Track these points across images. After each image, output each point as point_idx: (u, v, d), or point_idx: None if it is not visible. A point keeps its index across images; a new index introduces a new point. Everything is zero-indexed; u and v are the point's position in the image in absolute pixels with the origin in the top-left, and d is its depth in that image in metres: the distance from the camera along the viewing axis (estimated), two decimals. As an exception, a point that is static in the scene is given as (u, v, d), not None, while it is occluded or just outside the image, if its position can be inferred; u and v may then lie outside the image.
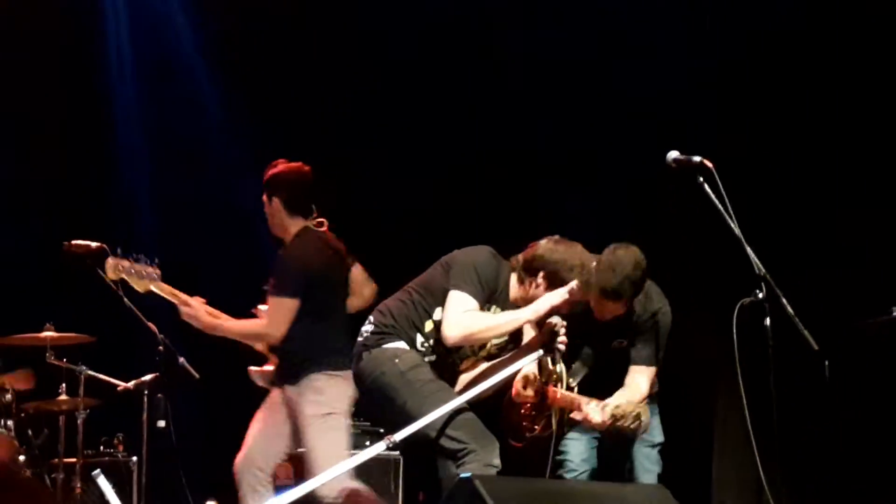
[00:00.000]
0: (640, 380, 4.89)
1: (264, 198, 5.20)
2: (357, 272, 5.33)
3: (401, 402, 4.46)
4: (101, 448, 6.74)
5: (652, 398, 5.05)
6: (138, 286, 5.07)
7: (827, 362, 4.43)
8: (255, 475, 5.06)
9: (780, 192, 6.77)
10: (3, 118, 7.47)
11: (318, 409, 4.96)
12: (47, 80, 7.63)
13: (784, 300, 4.36)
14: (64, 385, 6.48)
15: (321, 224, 5.24)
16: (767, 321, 4.35)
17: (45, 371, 6.45)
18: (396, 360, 4.53)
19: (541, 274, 4.64)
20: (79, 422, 6.36)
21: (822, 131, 6.75)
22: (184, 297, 5.09)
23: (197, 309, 5.04)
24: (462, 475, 4.11)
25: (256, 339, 5.13)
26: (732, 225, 4.54)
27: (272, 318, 4.99)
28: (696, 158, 4.58)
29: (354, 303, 5.31)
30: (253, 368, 5.26)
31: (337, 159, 7.10)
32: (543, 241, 4.72)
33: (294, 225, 5.16)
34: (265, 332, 5.03)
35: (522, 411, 4.99)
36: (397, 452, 6.35)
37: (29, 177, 7.63)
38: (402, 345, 4.59)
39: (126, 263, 5.05)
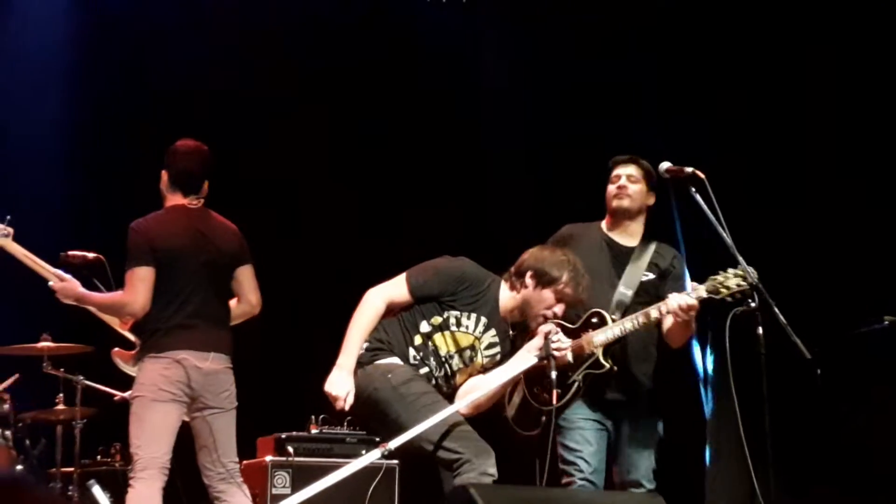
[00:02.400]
0: None
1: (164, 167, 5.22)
2: (245, 275, 5.25)
3: (394, 417, 4.51)
4: (99, 458, 6.76)
5: (657, 411, 5.10)
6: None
7: (819, 370, 4.48)
8: (204, 474, 5.11)
9: (771, 201, 6.82)
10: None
11: (133, 391, 5.05)
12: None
13: (776, 309, 4.40)
14: (61, 395, 6.49)
15: (199, 202, 5.19)
16: (760, 330, 4.40)
17: (42, 381, 6.46)
18: (389, 376, 4.57)
19: (528, 274, 4.69)
20: (76, 431, 6.37)
21: (815, 139, 6.79)
22: (50, 268, 5.15)
23: (70, 280, 5.10)
24: (459, 484, 4.14)
25: (120, 310, 5.11)
26: (724, 234, 4.59)
27: (127, 287, 5.01)
28: (688, 169, 4.64)
29: (240, 308, 5.27)
30: (117, 350, 5.26)
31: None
32: (532, 249, 4.80)
33: (171, 200, 5.18)
34: (124, 300, 5.02)
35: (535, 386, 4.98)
36: (395, 461, 6.38)
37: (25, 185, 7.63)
38: (394, 360, 4.64)
39: None
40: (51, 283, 5.17)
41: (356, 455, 6.48)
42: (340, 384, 4.58)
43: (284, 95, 7.86)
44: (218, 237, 5.17)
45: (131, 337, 5.22)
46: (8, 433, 5.95)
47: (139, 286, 4.97)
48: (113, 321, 5.32)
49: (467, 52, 8.20)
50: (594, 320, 4.92)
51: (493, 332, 4.72)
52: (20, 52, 7.64)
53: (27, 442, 6.37)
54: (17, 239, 5.31)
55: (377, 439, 6.55)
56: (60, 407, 6.45)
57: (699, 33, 7.16)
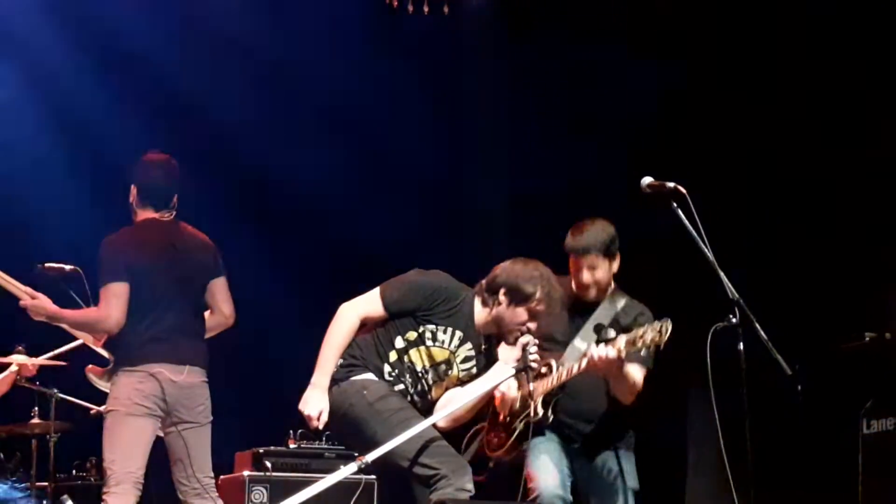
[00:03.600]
0: (634, 370, 4.88)
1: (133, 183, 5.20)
2: (218, 287, 5.24)
3: (371, 433, 4.48)
4: (74, 472, 6.71)
5: (628, 445, 5.08)
6: None
7: (800, 386, 4.47)
8: (179, 489, 5.08)
9: (752, 216, 6.83)
10: None
11: (107, 405, 5.04)
12: None
13: (757, 325, 4.40)
14: (36, 408, 6.45)
15: (171, 215, 5.19)
16: (741, 346, 4.40)
17: (16, 394, 6.41)
18: (364, 392, 4.56)
19: (501, 291, 4.67)
20: (51, 445, 6.33)
21: (795, 155, 6.81)
22: (20, 286, 5.11)
23: (42, 298, 5.06)
24: (439, 499, 4.13)
25: (94, 326, 5.08)
26: (706, 250, 4.58)
27: (101, 303, 4.99)
28: (670, 184, 4.63)
29: (214, 320, 5.25)
30: (91, 367, 5.22)
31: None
32: (504, 263, 4.77)
33: (142, 214, 5.17)
34: (98, 316, 5.00)
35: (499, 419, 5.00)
36: (373, 476, 6.34)
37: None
38: (369, 376, 4.61)
39: None
40: (21, 302, 5.10)
41: (334, 470, 6.42)
42: (314, 403, 4.55)
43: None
44: (190, 250, 5.15)
45: (105, 353, 5.17)
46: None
47: (113, 302, 4.94)
48: (87, 338, 5.27)
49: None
50: (544, 370, 4.91)
51: (468, 345, 4.70)
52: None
53: (1, 456, 6.33)
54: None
55: (355, 454, 6.56)
56: (35, 421, 6.41)
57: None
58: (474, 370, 4.73)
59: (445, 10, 6.67)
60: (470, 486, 4.40)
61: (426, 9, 6.62)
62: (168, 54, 7.59)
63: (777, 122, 6.86)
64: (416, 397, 4.68)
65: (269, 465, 6.35)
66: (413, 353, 4.64)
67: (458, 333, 4.67)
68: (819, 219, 6.60)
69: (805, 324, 6.22)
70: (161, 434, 5.05)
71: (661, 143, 6.96)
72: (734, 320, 4.41)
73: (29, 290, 5.14)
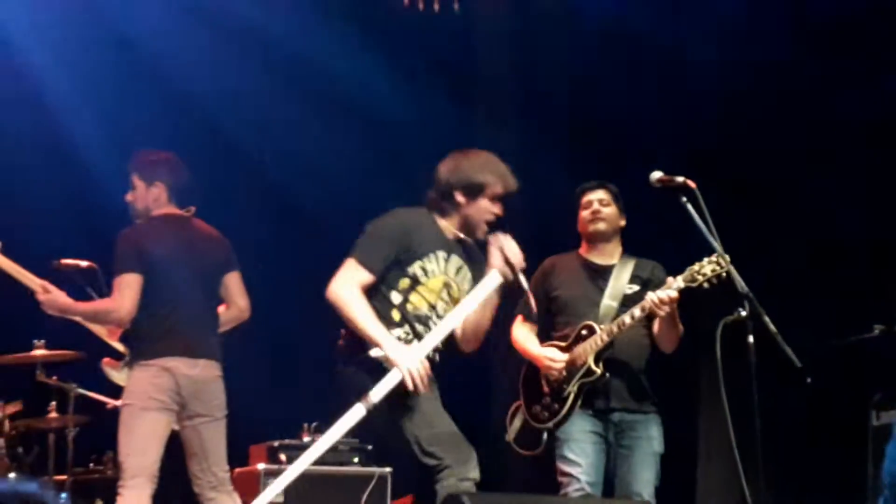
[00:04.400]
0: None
1: (136, 178, 5.23)
2: (233, 280, 5.30)
3: (386, 417, 4.34)
4: (91, 466, 6.76)
5: (656, 408, 5.14)
6: None
7: (809, 379, 4.51)
8: (195, 482, 5.12)
9: (762, 208, 6.85)
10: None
11: (122, 399, 5.06)
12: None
13: (766, 318, 4.43)
14: (54, 402, 6.48)
15: (188, 211, 5.28)
16: (750, 338, 4.44)
17: (35, 388, 6.46)
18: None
19: (455, 192, 4.50)
20: (69, 439, 6.38)
21: (806, 148, 6.83)
22: (36, 279, 5.15)
23: (55, 292, 5.10)
24: (449, 493, 4.14)
25: (106, 317, 5.12)
26: (715, 243, 4.63)
27: (114, 293, 5.04)
28: (680, 178, 4.67)
29: (230, 314, 5.30)
30: (107, 360, 5.27)
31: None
32: (442, 166, 4.59)
33: (163, 210, 5.22)
34: (110, 307, 5.05)
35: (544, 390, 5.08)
36: (388, 468, 6.41)
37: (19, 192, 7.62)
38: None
39: None
40: (37, 295, 5.15)
41: (349, 462, 6.52)
42: (411, 359, 4.22)
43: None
44: (205, 245, 5.22)
45: (120, 347, 5.23)
46: (1, 441, 5.94)
47: (126, 292, 4.99)
48: (101, 331, 5.33)
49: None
50: (584, 332, 5.06)
51: (455, 259, 4.53)
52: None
53: (20, 450, 6.37)
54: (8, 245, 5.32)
55: (369, 447, 6.63)
56: (53, 415, 6.44)
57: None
58: (471, 279, 4.55)
59: (456, 6, 6.69)
60: (474, 474, 4.27)
61: (437, 6, 6.65)
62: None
63: (784, 114, 6.88)
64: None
65: (283, 457, 6.40)
66: (413, 298, 4.44)
67: (441, 253, 4.48)
68: (828, 210, 6.61)
69: (814, 316, 6.24)
70: (176, 428, 5.11)
71: (664, 139, 6.98)
72: (743, 313, 4.46)
73: (43, 283, 5.19)
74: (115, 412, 6.14)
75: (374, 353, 4.26)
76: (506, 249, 4.38)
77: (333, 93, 7.79)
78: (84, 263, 5.79)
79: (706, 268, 4.77)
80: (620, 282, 5.14)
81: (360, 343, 4.31)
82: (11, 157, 7.46)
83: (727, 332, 4.50)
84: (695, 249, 4.77)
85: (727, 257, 4.66)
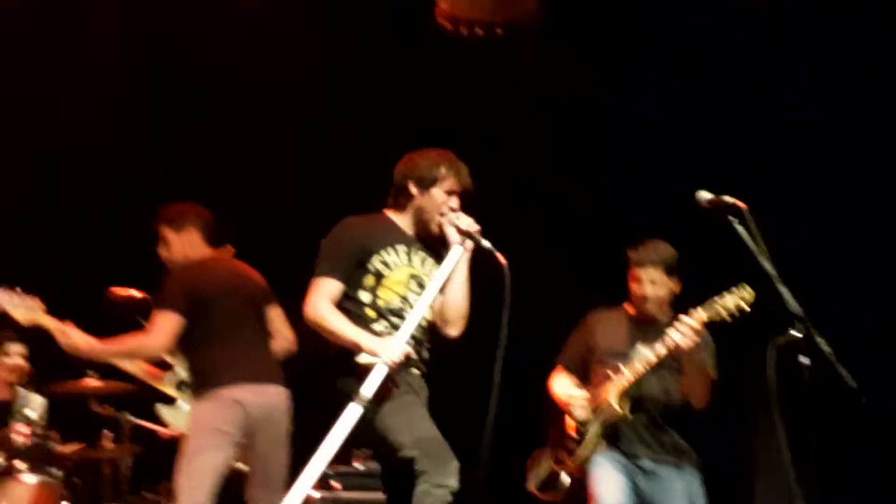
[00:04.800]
0: (708, 363, 5.00)
1: (167, 230, 5.35)
2: (276, 314, 5.37)
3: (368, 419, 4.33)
4: (145, 495, 6.79)
5: (693, 462, 5.09)
6: (22, 317, 5.27)
7: (864, 399, 4.45)
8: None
9: (814, 228, 6.81)
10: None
11: (188, 430, 5.10)
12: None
13: (819, 338, 4.39)
14: (108, 433, 6.54)
15: (229, 252, 5.40)
16: (803, 359, 4.39)
17: (88, 417, 6.52)
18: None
19: (409, 185, 4.54)
20: (123, 469, 6.42)
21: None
22: (52, 322, 5.27)
23: (72, 334, 5.19)
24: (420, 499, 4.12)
25: (138, 351, 5.20)
26: (766, 264, 4.59)
27: (149, 327, 5.09)
28: (729, 199, 4.64)
29: (278, 346, 5.36)
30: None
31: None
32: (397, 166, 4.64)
33: (199, 254, 5.33)
34: (143, 341, 5.11)
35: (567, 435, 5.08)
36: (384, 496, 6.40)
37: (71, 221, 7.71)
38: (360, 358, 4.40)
39: (5, 295, 5.25)
40: (56, 339, 5.25)
41: (366, 488, 6.48)
42: (391, 346, 4.27)
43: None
44: (248, 281, 5.32)
45: (169, 390, 5.29)
46: (57, 472, 6.00)
47: (163, 329, 5.05)
48: (140, 372, 5.39)
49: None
50: (610, 373, 5.06)
51: (418, 251, 4.56)
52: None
53: (75, 480, 6.42)
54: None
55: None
56: (107, 445, 6.49)
57: None
58: (435, 265, 4.54)
59: (498, 31, 6.70)
60: (451, 482, 4.21)
61: (480, 31, 6.66)
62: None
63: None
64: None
65: (337, 485, 6.41)
66: (381, 293, 4.46)
67: (401, 247, 4.51)
68: (874, 229, 6.57)
69: (866, 336, 6.19)
70: (241, 466, 5.15)
71: (708, 157, 6.97)
72: (796, 334, 4.42)
73: (61, 326, 5.24)
74: (169, 442, 6.23)
75: (360, 359, 4.31)
76: (457, 221, 4.44)
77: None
78: (137, 294, 5.89)
79: (728, 300, 4.73)
80: (660, 332, 5.07)
81: (348, 354, 4.35)
82: (69, 190, 7.58)
83: (780, 352, 4.46)
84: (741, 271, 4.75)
85: (750, 290, 4.61)
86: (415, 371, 4.46)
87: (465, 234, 4.43)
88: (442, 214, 4.49)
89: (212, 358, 5.08)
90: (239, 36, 7.43)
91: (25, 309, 5.29)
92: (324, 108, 7.50)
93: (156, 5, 7.24)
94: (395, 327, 4.40)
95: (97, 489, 6.50)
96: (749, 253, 4.53)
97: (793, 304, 4.48)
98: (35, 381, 6.48)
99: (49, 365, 6.62)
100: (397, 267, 4.49)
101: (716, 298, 4.77)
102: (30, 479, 5.86)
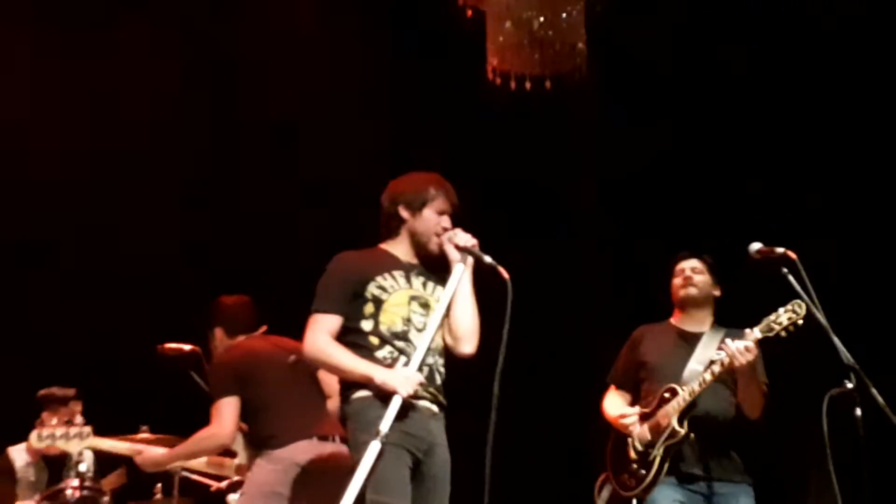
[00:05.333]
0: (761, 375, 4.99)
1: (209, 330, 5.53)
2: (325, 374, 5.27)
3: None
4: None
5: (749, 487, 5.02)
6: (70, 448, 5.51)
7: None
8: None
9: (866, 279, 6.75)
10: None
11: (242, 489, 5.19)
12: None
13: (874, 390, 4.33)
14: (160, 485, 6.55)
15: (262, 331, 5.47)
16: (858, 411, 4.34)
17: (141, 472, 6.53)
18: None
19: (398, 210, 4.47)
20: (174, 524, 6.43)
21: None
22: (125, 446, 5.49)
23: (147, 451, 5.43)
24: None
25: (208, 442, 5.21)
26: (819, 315, 4.56)
27: (213, 419, 5.14)
28: (780, 249, 4.63)
29: (332, 404, 5.22)
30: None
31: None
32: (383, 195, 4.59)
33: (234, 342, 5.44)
34: (211, 431, 5.15)
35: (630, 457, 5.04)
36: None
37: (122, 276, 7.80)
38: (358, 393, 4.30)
39: (47, 430, 5.47)
40: (134, 459, 5.46)
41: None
42: (402, 376, 4.17)
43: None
44: (291, 347, 5.22)
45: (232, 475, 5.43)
46: (108, 523, 6.02)
47: (225, 416, 5.09)
48: (203, 465, 5.46)
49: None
50: (666, 395, 5.03)
51: (416, 276, 4.46)
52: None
53: (125, 533, 6.45)
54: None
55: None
56: (158, 497, 6.50)
57: None
58: (439, 286, 4.46)
59: (548, 84, 6.74)
60: None
61: (528, 84, 6.71)
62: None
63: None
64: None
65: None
66: (383, 318, 4.34)
67: (397, 272, 4.42)
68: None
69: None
70: None
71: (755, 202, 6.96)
72: (850, 386, 4.37)
73: (136, 447, 5.46)
74: (219, 494, 6.24)
75: (356, 395, 4.25)
76: (455, 239, 4.39)
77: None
78: (187, 347, 5.94)
79: (782, 317, 4.77)
80: (709, 348, 5.08)
81: (352, 386, 4.28)
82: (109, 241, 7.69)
83: (833, 405, 4.41)
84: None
85: (804, 305, 4.65)
86: (423, 405, 4.27)
87: (465, 250, 4.38)
88: (438, 234, 4.45)
89: (267, 423, 5.11)
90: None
91: (79, 440, 5.50)
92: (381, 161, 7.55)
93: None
94: (401, 352, 4.31)
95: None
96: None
97: (845, 354, 4.44)
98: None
99: (102, 420, 6.69)
100: (395, 291, 4.39)
101: (770, 316, 4.78)
102: (81, 532, 5.87)
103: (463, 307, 4.41)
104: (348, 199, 7.61)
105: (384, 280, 4.38)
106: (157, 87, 7.68)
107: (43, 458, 6.63)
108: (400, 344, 4.32)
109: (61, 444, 5.55)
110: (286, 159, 7.99)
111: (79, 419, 6.32)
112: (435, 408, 4.33)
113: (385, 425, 4.06)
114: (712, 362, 4.94)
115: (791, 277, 4.54)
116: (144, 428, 6.42)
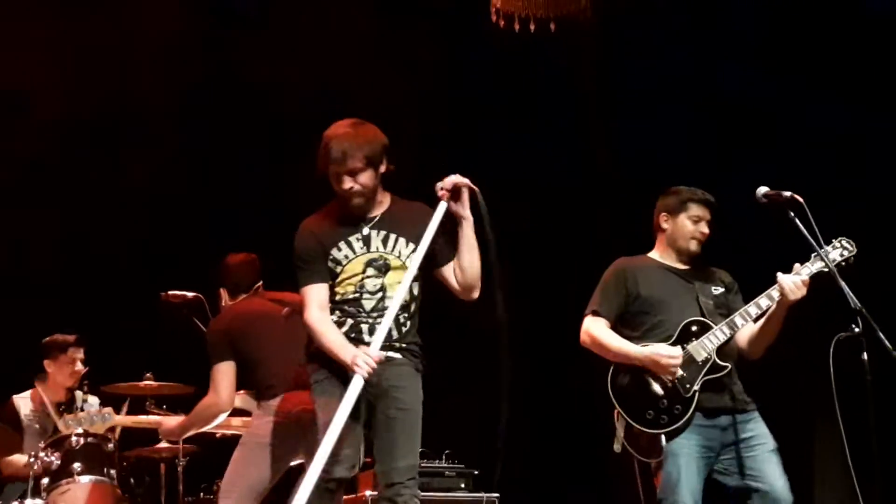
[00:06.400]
0: None
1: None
2: None
3: None
4: (202, 495, 6.82)
5: (755, 408, 4.97)
6: (97, 430, 5.83)
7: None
8: None
9: (874, 222, 6.71)
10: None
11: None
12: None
13: (881, 334, 4.31)
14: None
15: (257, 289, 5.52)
16: (864, 355, 4.32)
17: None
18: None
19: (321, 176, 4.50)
20: (179, 469, 6.44)
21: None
22: (151, 418, 5.77)
23: (164, 422, 5.66)
24: None
25: (209, 410, 5.31)
26: (826, 259, 4.55)
27: (211, 387, 5.25)
28: (786, 193, 4.60)
29: None
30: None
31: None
32: None
33: (232, 300, 5.52)
34: (210, 401, 5.27)
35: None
36: (496, 494, 6.37)
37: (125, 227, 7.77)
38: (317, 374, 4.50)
39: (74, 416, 5.85)
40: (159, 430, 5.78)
41: (456, 489, 6.49)
42: (356, 354, 4.30)
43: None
44: (285, 299, 5.30)
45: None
46: (113, 472, 6.03)
47: (221, 383, 5.20)
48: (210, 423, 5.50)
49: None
50: (693, 328, 4.87)
51: (375, 231, 4.49)
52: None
53: (132, 480, 6.47)
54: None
55: (476, 472, 6.59)
56: (163, 445, 6.53)
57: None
58: (408, 240, 4.50)
59: (552, 27, 6.66)
60: (339, 473, 4.32)
61: (532, 27, 6.63)
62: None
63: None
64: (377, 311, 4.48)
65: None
66: (339, 289, 4.46)
67: (353, 237, 4.47)
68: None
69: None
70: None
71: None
72: (857, 330, 4.35)
73: (155, 419, 5.79)
74: (225, 441, 6.26)
75: (314, 376, 4.46)
76: (443, 183, 4.43)
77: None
78: (190, 294, 5.95)
79: (832, 253, 4.72)
80: (707, 284, 5.00)
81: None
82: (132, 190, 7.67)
83: (840, 349, 4.39)
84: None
85: (853, 241, 4.65)
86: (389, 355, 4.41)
87: (455, 193, 4.42)
88: (348, 192, 4.44)
89: (263, 375, 5.20)
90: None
91: (102, 422, 5.87)
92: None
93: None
94: (348, 314, 4.44)
95: (154, 489, 6.53)
96: (808, 246, 4.49)
97: (853, 299, 4.42)
98: (91, 382, 6.52)
99: (105, 366, 6.70)
100: (349, 260, 4.47)
101: (818, 252, 4.67)
102: (85, 479, 5.89)
103: (470, 255, 4.47)
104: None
105: (337, 251, 4.48)
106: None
107: (46, 404, 6.65)
108: (350, 309, 4.45)
109: (86, 426, 5.84)
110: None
111: (79, 366, 6.39)
112: (393, 354, 4.43)
113: (348, 404, 4.18)
114: (722, 307, 4.87)
115: (798, 221, 4.51)
116: (148, 375, 6.46)
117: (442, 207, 4.45)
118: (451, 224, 4.48)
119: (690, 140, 7.47)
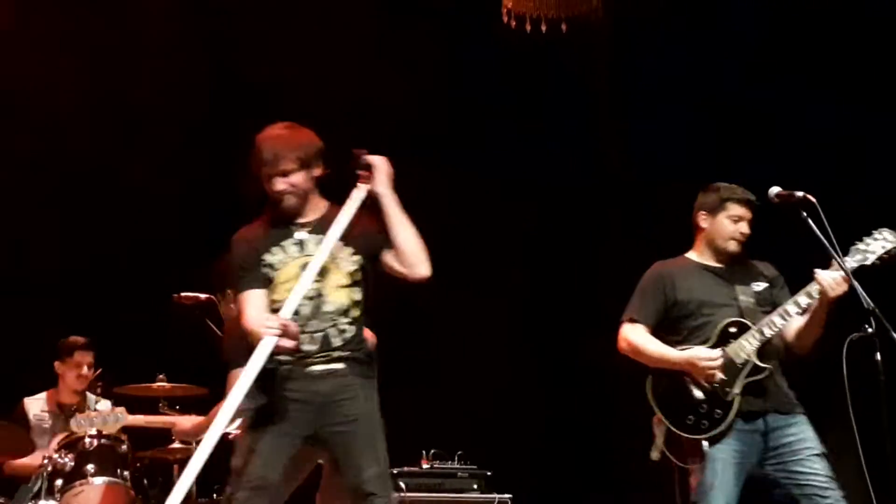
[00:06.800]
0: None
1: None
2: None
3: None
4: (215, 496, 6.82)
5: (803, 410, 4.89)
6: (110, 430, 5.91)
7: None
8: None
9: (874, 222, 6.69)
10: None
11: None
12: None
13: (894, 334, 4.30)
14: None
15: None
16: (878, 355, 4.31)
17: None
18: None
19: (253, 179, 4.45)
20: (192, 470, 6.44)
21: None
22: (164, 419, 5.77)
23: (179, 422, 5.77)
24: None
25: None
26: (838, 259, 4.54)
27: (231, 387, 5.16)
28: (799, 193, 4.59)
29: None
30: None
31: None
32: None
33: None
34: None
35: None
36: (508, 495, 6.38)
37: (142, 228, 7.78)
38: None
39: (86, 417, 5.90)
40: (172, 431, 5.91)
41: (469, 490, 6.50)
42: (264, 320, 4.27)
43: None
44: None
45: None
46: (126, 473, 6.05)
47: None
48: None
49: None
50: (732, 330, 4.82)
51: (310, 235, 4.43)
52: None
53: (145, 482, 6.47)
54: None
55: (489, 473, 6.59)
56: (177, 446, 6.53)
57: None
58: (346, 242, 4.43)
59: (563, 27, 6.66)
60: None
61: (544, 27, 6.63)
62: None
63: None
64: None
65: (402, 485, 6.40)
66: (275, 297, 4.37)
67: (287, 241, 4.41)
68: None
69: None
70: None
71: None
72: (870, 330, 4.34)
73: (169, 420, 5.82)
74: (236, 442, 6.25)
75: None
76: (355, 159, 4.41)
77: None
78: (203, 296, 5.94)
79: (873, 245, 4.66)
80: (749, 281, 4.92)
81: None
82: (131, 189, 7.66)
83: (853, 349, 4.38)
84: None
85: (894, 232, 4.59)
86: (314, 369, 4.37)
87: (365, 170, 4.38)
88: (281, 193, 4.39)
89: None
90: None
91: (115, 422, 5.92)
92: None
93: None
94: (310, 324, 4.36)
95: (167, 491, 6.53)
96: (820, 247, 4.48)
97: (866, 299, 4.41)
98: (104, 384, 6.54)
99: (118, 368, 6.71)
100: (284, 265, 4.41)
101: (859, 245, 4.65)
102: (99, 480, 5.90)
103: (401, 232, 4.37)
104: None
105: (271, 256, 4.42)
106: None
107: (59, 406, 6.67)
108: (308, 310, 4.34)
109: (99, 426, 5.90)
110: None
111: (85, 370, 6.38)
112: (335, 366, 4.36)
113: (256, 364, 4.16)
114: (766, 304, 4.81)
115: (810, 221, 4.50)
116: (161, 376, 6.47)
117: (357, 193, 4.37)
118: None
119: (696, 141, 7.46)
